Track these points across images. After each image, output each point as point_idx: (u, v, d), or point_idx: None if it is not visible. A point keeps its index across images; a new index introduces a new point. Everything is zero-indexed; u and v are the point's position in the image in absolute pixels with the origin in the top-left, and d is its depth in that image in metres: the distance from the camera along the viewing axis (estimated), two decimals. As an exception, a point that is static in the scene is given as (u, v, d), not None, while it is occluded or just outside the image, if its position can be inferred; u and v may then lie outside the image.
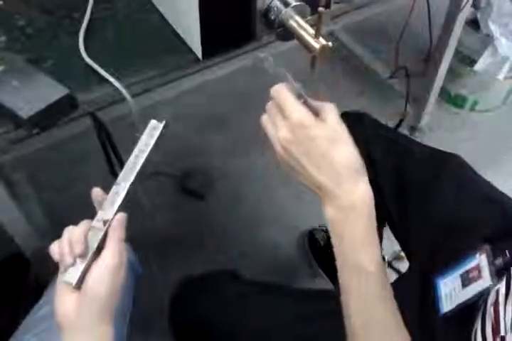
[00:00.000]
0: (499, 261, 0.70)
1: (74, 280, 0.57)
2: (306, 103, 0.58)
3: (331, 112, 0.57)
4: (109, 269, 0.57)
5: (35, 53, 0.80)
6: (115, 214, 0.62)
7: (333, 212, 0.56)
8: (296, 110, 0.56)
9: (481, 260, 0.72)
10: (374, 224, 0.57)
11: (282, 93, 0.58)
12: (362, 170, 0.56)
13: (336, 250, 0.57)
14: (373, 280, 0.57)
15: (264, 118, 0.60)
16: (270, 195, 1.55)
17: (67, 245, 0.59)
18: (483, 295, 0.67)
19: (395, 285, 0.88)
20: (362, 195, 0.56)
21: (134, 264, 0.88)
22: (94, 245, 0.59)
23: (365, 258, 0.56)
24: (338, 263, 0.58)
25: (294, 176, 0.59)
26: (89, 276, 0.57)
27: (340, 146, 0.55)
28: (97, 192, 0.62)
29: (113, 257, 0.58)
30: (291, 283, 1.39)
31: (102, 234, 0.60)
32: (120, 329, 0.80)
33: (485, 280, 0.69)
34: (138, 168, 0.63)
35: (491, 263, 0.71)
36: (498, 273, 0.69)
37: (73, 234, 0.59)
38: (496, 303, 0.62)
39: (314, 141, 0.55)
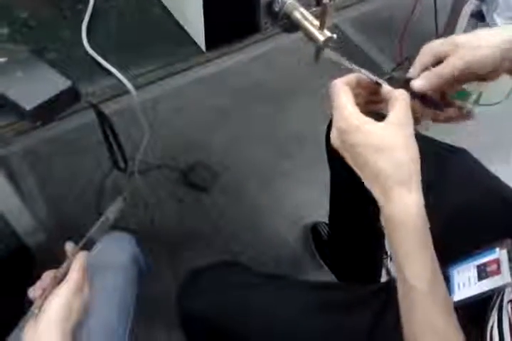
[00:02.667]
0: None
1: (36, 308, 0.65)
2: (378, 88, 0.59)
3: (394, 109, 0.55)
4: (67, 290, 0.65)
5: (38, 45, 0.79)
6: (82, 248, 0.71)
7: (383, 222, 0.54)
8: (342, 117, 0.55)
9: (501, 254, 0.70)
10: (422, 238, 0.53)
11: (335, 94, 0.57)
12: (409, 179, 0.53)
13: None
14: (421, 296, 0.53)
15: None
16: (273, 187, 1.55)
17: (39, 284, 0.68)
18: (497, 291, 0.66)
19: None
20: (402, 206, 0.53)
21: (138, 258, 0.89)
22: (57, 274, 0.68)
23: (409, 273, 0.53)
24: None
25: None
26: (48, 299, 0.65)
27: (383, 155, 0.53)
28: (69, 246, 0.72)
29: (72, 281, 0.66)
30: (294, 275, 1.39)
31: (67, 262, 0.69)
32: (124, 325, 0.81)
33: (503, 277, 0.67)
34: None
35: (510, 260, 0.69)
36: None
37: (44, 276, 0.69)
38: None
39: (356, 148, 0.54)
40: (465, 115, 0.66)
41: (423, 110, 0.64)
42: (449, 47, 0.62)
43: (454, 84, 0.65)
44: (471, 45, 0.61)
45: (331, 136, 0.57)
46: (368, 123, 0.55)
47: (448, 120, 0.66)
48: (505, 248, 0.70)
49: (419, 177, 0.54)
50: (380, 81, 0.61)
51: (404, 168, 0.53)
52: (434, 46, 0.64)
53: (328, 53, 0.64)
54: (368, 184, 0.55)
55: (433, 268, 0.54)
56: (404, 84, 0.63)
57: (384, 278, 1.34)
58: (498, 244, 0.71)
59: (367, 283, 1.19)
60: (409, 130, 0.54)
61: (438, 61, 0.63)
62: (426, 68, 0.64)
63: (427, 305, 0.53)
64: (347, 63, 0.64)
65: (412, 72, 0.65)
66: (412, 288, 0.53)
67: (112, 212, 0.75)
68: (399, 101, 0.56)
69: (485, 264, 0.70)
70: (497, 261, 0.69)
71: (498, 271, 0.68)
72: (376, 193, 0.54)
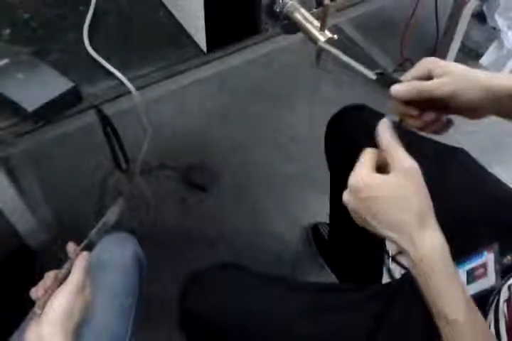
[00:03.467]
0: (507, 260, 0.70)
1: (38, 309, 0.65)
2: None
3: (394, 158, 0.57)
4: (69, 291, 0.65)
5: (40, 46, 0.80)
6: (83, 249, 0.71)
7: (409, 263, 0.56)
8: (353, 176, 0.58)
9: (488, 258, 0.71)
10: (451, 272, 0.55)
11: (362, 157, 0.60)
12: (427, 219, 0.55)
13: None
14: (461, 328, 0.54)
15: None
16: (274, 188, 1.55)
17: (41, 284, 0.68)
18: (487, 293, 0.67)
19: (401, 281, 0.88)
20: (429, 248, 0.54)
21: (140, 257, 0.89)
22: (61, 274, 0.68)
23: (447, 309, 0.54)
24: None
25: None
26: (50, 300, 0.65)
27: (399, 204, 0.55)
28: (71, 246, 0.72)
29: (74, 282, 0.66)
30: (295, 276, 1.39)
31: (69, 263, 0.69)
32: (125, 325, 0.81)
33: (489, 279, 0.68)
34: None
35: (497, 262, 0.70)
36: (505, 272, 0.68)
37: (46, 277, 0.69)
38: (509, 300, 0.61)
39: (367, 203, 0.56)
40: (444, 123, 0.66)
41: (404, 113, 0.64)
42: (445, 69, 0.62)
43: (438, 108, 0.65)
44: (466, 75, 0.62)
45: (344, 195, 0.59)
46: (377, 178, 0.57)
47: (428, 129, 0.66)
48: (493, 252, 0.71)
49: (433, 214, 0.56)
50: (370, 74, 0.62)
51: (419, 208, 0.55)
52: (430, 63, 0.64)
53: (325, 46, 0.64)
54: (386, 232, 0.56)
55: (467, 298, 0.55)
56: (391, 84, 0.63)
57: (385, 279, 1.34)
58: (487, 248, 0.71)
59: (368, 283, 1.19)
60: (416, 174, 0.56)
61: (429, 78, 0.63)
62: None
63: (468, 334, 0.54)
64: (343, 56, 0.64)
65: (404, 78, 0.65)
66: (453, 322, 0.54)
67: (113, 212, 0.75)
68: (396, 149, 0.58)
69: (473, 269, 0.71)
70: (484, 265, 0.70)
71: (484, 274, 0.69)
72: (404, 242, 0.55)
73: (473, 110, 0.64)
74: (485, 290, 0.67)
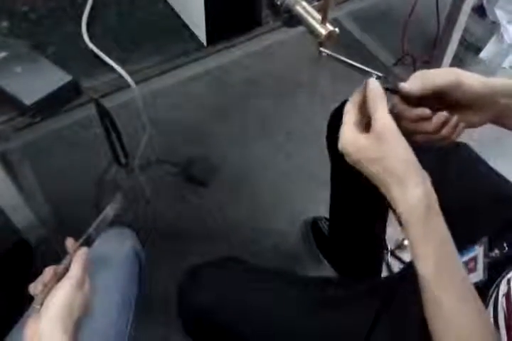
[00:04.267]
0: (495, 253, 0.70)
1: (38, 304, 0.64)
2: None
3: (377, 122, 0.58)
4: (69, 286, 0.65)
5: (38, 39, 0.79)
6: (82, 244, 0.71)
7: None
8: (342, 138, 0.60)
9: (478, 252, 0.72)
10: (433, 229, 0.56)
11: (346, 107, 0.62)
12: (405, 178, 0.56)
13: None
14: (428, 285, 0.56)
15: None
16: (273, 183, 1.55)
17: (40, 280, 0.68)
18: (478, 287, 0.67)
19: (400, 275, 0.89)
20: (411, 203, 0.56)
21: (139, 252, 0.88)
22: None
23: (421, 267, 0.56)
24: None
25: None
26: (50, 293, 0.65)
27: (376, 162, 0.57)
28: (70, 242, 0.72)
29: (73, 278, 0.66)
30: (294, 271, 1.39)
31: (68, 258, 0.69)
32: (125, 321, 0.81)
33: (478, 274, 0.69)
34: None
35: (485, 256, 0.70)
36: (495, 266, 0.69)
37: (45, 272, 0.69)
38: (508, 294, 0.61)
39: (358, 164, 0.59)
40: (453, 126, 0.65)
41: (410, 125, 0.65)
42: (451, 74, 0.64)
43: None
44: (464, 74, 0.64)
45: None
46: (356, 140, 0.59)
47: (438, 134, 0.66)
48: (482, 245, 0.71)
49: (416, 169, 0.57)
50: (373, 72, 0.63)
51: (401, 167, 0.57)
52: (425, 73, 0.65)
53: (325, 50, 0.64)
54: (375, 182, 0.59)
55: (438, 257, 0.56)
56: (395, 84, 0.63)
57: (384, 273, 1.34)
58: (478, 242, 0.72)
59: (367, 278, 1.20)
60: (388, 133, 0.57)
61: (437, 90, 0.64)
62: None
63: (434, 288, 0.55)
64: (344, 59, 0.64)
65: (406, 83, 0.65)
66: (422, 277, 0.56)
67: (111, 208, 0.75)
68: (375, 106, 0.59)
69: (466, 262, 0.71)
70: (474, 259, 0.70)
71: (474, 268, 0.69)
72: (384, 191, 0.58)
73: (477, 104, 0.65)
74: (475, 284, 0.67)
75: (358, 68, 0.64)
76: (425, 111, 0.63)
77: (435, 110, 0.64)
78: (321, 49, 0.64)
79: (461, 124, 0.65)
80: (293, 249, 1.45)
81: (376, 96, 0.60)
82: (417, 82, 0.63)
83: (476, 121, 0.67)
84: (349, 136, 0.59)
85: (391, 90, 0.63)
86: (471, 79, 0.63)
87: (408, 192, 0.56)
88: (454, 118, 0.64)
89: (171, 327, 0.88)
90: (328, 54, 0.65)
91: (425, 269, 0.56)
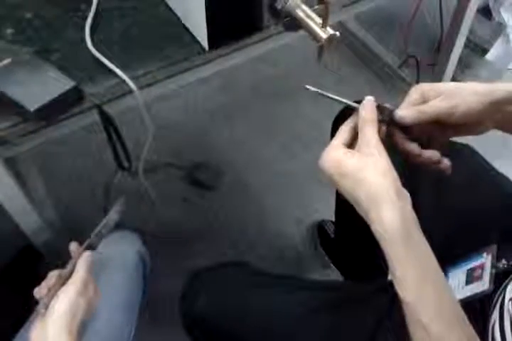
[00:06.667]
0: (502, 264, 0.69)
1: (43, 308, 0.65)
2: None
3: (362, 141, 0.59)
4: (73, 290, 0.66)
5: (42, 45, 0.80)
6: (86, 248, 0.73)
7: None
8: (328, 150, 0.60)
9: (487, 260, 0.71)
10: (411, 248, 0.55)
11: (340, 128, 0.63)
12: (385, 198, 0.55)
13: None
14: (409, 307, 0.54)
15: None
16: (278, 186, 1.55)
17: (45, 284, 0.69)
18: (481, 297, 0.66)
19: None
20: (387, 224, 0.55)
21: (144, 256, 0.89)
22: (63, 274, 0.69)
23: (400, 289, 0.55)
24: None
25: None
26: (54, 299, 0.66)
27: (355, 185, 0.57)
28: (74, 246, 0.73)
29: (77, 282, 0.67)
30: (300, 275, 1.39)
31: (72, 262, 0.70)
32: (130, 324, 0.81)
33: (483, 284, 0.68)
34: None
35: (493, 266, 0.69)
36: (503, 275, 0.67)
37: (50, 276, 0.70)
38: None
39: (340, 182, 0.59)
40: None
41: (404, 146, 0.65)
42: (437, 90, 0.63)
43: (442, 131, 0.65)
44: (460, 93, 0.62)
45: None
46: (342, 158, 0.59)
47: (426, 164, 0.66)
48: (491, 253, 0.70)
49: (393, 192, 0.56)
50: (355, 105, 0.63)
51: (380, 187, 0.56)
52: (423, 88, 0.64)
53: (311, 87, 0.65)
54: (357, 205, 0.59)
55: (424, 276, 0.55)
56: (390, 115, 0.63)
57: (390, 276, 1.33)
58: (486, 249, 0.71)
59: (372, 280, 1.19)
60: (371, 163, 0.57)
61: (425, 102, 0.64)
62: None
63: (415, 311, 0.54)
64: (330, 95, 0.64)
65: (400, 108, 0.65)
66: (403, 300, 0.54)
67: (115, 211, 0.75)
68: (365, 130, 0.59)
69: (472, 269, 0.70)
70: (482, 266, 0.69)
71: (480, 277, 0.68)
72: (361, 212, 0.58)
73: (475, 122, 0.64)
74: (477, 294, 0.67)
75: (345, 103, 0.64)
76: (415, 150, 0.64)
77: (430, 133, 0.64)
78: (307, 86, 0.65)
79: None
80: (299, 252, 1.45)
81: (365, 121, 0.60)
82: (413, 113, 0.63)
83: (479, 131, 0.66)
84: (333, 152, 0.60)
85: (386, 122, 0.63)
86: (468, 101, 0.61)
87: (383, 213, 0.55)
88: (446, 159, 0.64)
89: (176, 330, 0.88)
90: (313, 90, 0.66)
91: (407, 295, 0.54)
